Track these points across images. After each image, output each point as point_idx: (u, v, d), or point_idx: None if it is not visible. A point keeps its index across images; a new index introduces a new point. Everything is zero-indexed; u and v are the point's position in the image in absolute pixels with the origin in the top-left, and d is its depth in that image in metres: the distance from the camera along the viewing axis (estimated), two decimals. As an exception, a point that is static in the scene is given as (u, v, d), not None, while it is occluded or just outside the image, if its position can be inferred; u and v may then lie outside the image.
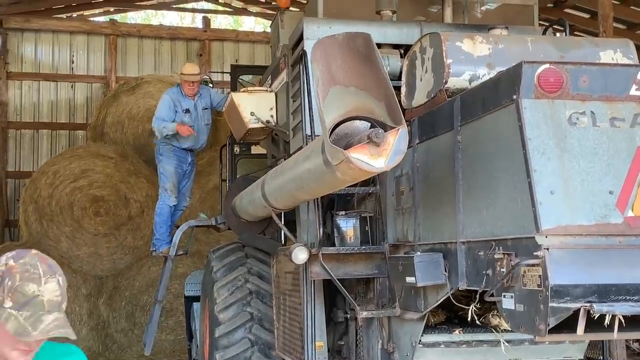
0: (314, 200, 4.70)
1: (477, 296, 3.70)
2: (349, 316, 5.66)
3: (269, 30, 15.31)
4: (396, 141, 3.04)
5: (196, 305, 8.27)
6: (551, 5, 10.19)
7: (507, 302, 3.38)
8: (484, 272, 3.60)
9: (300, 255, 4.77)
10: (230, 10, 15.12)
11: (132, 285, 11.26)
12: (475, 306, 3.91)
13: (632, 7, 10.48)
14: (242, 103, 6.19)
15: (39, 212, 11.08)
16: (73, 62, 13.38)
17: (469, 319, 4.03)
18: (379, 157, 3.04)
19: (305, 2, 11.63)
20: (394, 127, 3.10)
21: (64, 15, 13.59)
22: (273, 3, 14.23)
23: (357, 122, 3.31)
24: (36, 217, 11.08)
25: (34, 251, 2.17)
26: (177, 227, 7.94)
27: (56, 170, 11.22)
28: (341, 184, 3.69)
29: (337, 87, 3.21)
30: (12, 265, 2.09)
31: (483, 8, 6.18)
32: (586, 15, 10.92)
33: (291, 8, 6.54)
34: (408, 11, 6.09)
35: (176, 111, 8.15)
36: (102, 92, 13.24)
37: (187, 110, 8.19)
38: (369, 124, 3.29)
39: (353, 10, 6.02)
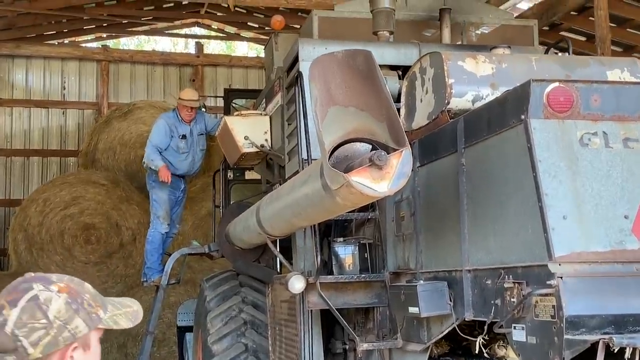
0: (311, 227, 4.51)
1: (485, 327, 3.50)
2: (347, 347, 5.45)
3: (262, 55, 15.34)
4: (400, 164, 2.86)
5: (189, 336, 8.04)
6: (547, 28, 10.11)
7: (518, 334, 3.18)
8: (492, 301, 3.41)
9: (297, 284, 4.57)
10: (223, 35, 15.03)
11: (123, 315, 10.98)
12: (483, 338, 3.71)
13: (628, 30, 10.40)
14: (235, 127, 6.02)
15: (28, 240, 10.85)
16: (64, 89, 13.24)
17: (475, 351, 3.83)
18: (381, 181, 2.86)
19: (299, 26, 11.54)
20: (397, 149, 2.92)
21: (55, 42, 13.47)
22: (266, 28, 14.14)
23: (358, 144, 3.14)
24: (26, 245, 10.85)
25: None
26: (169, 255, 7.72)
27: (46, 198, 11.02)
28: (341, 210, 3.50)
29: (336, 108, 3.04)
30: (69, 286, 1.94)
31: (480, 31, 6.06)
32: (582, 38, 10.84)
33: (285, 31, 6.39)
34: (404, 34, 5.95)
35: (172, 136, 7.98)
36: (94, 118, 13.09)
37: (184, 136, 8.03)
38: (370, 146, 3.12)
39: (348, 33, 5.87)
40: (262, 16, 13.71)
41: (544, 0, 9.53)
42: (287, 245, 5.71)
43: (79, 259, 11.01)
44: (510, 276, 3.22)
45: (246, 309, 6.25)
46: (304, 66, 5.06)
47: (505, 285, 3.22)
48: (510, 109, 3.29)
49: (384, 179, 2.87)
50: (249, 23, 14.26)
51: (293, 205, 3.84)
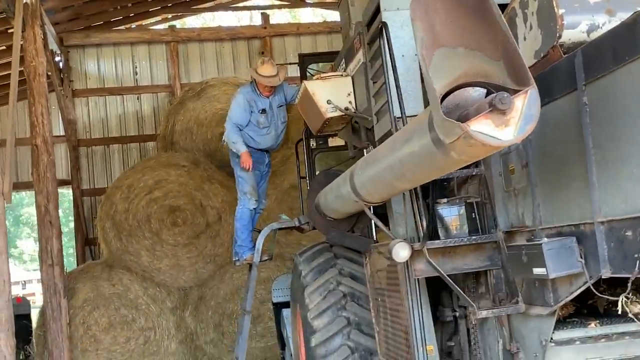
0: (412, 189, 4.15)
1: (629, 284, 3.08)
2: (458, 314, 5.10)
3: (329, 19, 14.93)
4: (526, 105, 2.47)
5: (286, 312, 7.85)
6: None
7: (675, 289, 2.77)
8: (636, 255, 2.99)
9: (402, 252, 4.23)
10: (288, 3, 14.67)
11: (216, 295, 10.96)
12: (625, 296, 3.29)
13: None
14: (317, 92, 5.68)
15: (116, 228, 10.87)
16: (137, 74, 13.20)
17: (618, 311, 3.41)
18: (506, 128, 2.48)
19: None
20: (520, 89, 2.52)
21: (123, 27, 13.40)
22: (331, -9, 13.74)
23: (470, 90, 2.75)
24: (114, 233, 10.88)
25: None
26: (258, 231, 7.50)
27: (130, 184, 11.00)
28: (454, 166, 3.13)
29: (443, 50, 2.65)
30: None
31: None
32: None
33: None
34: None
35: (252, 112, 7.68)
36: (168, 101, 13.00)
37: (264, 111, 7.71)
38: (485, 91, 2.72)
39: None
40: (326, -21, 13.30)
41: None
42: (381, 212, 5.38)
43: (168, 242, 10.97)
44: (661, 224, 2.79)
45: (344, 281, 5.97)
46: (387, 16, 4.68)
47: (655, 236, 2.80)
48: (643, 32, 2.83)
49: (509, 125, 2.48)
50: (314, -13, 13.86)
51: (395, 167, 3.48)
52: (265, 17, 13.79)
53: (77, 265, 12.07)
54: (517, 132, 2.50)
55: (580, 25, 3.52)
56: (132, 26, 13.57)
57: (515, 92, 2.57)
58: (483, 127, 2.47)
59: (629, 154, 3.02)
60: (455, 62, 2.70)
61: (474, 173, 4.47)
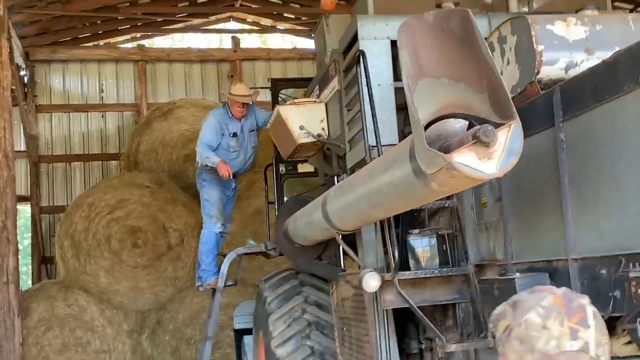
0: (386, 219, 4.12)
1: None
2: (424, 346, 5.06)
3: (298, 46, 14.95)
4: (509, 139, 2.46)
5: (247, 339, 7.71)
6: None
7: (648, 330, 2.76)
8: (610, 294, 2.99)
9: (372, 282, 4.18)
10: (259, 28, 14.67)
11: (175, 319, 10.74)
12: (597, 335, 3.27)
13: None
14: (290, 117, 5.64)
15: (75, 247, 10.61)
16: (103, 91, 13.02)
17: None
18: (489, 160, 2.46)
19: (345, 3, 11.13)
20: (503, 123, 2.51)
21: (91, 44, 13.24)
22: (303, 19, 13.78)
23: (452, 121, 2.73)
24: (73, 252, 10.62)
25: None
26: (223, 255, 7.38)
27: (91, 203, 10.77)
28: (433, 197, 3.10)
29: (427, 80, 2.63)
30: None
31: (548, -3, 5.60)
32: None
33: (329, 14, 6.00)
34: (466, 6, 5.51)
35: (222, 134, 7.62)
36: (134, 120, 12.84)
37: (235, 134, 7.66)
38: (467, 123, 2.71)
39: (405, 8, 5.45)
40: (298, 6, 13.33)
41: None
42: (350, 241, 5.33)
43: (127, 263, 10.74)
44: (637, 264, 2.79)
45: (309, 309, 5.89)
46: (364, 45, 4.68)
47: (631, 275, 2.79)
48: (624, 72, 2.85)
49: (492, 158, 2.47)
50: (285, 14, 13.88)
51: (371, 195, 3.44)
52: (235, 41, 13.76)
53: (32, 284, 11.76)
54: (500, 165, 2.48)
55: (559, 62, 3.55)
56: (100, 43, 13.42)
57: (498, 125, 2.56)
58: (466, 159, 2.45)
59: (605, 192, 3.03)
60: (439, 93, 2.68)
61: (445, 205, 4.46)
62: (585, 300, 1.67)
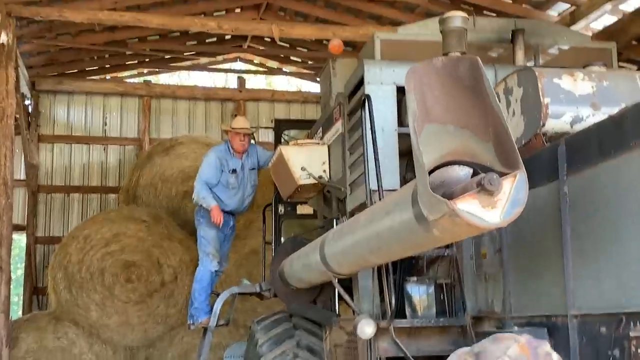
0: (384, 265, 4.07)
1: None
2: (416, 397, 4.95)
3: (303, 89, 15.05)
4: (514, 189, 2.43)
5: (236, 381, 7.60)
6: (636, 42, 9.23)
7: (649, 393, 2.70)
8: (609, 352, 2.93)
9: (367, 329, 4.11)
10: (265, 69, 14.79)
11: (164, 357, 10.58)
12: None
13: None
14: (292, 157, 5.63)
15: (68, 279, 10.50)
16: (106, 124, 13.05)
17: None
18: (492, 209, 2.42)
19: (351, 49, 11.22)
20: (508, 172, 2.48)
21: (97, 77, 13.32)
22: (309, 62, 13.89)
23: (456, 168, 2.70)
24: (65, 284, 10.49)
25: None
26: (217, 294, 7.29)
27: (87, 235, 10.68)
28: (434, 244, 3.06)
29: (433, 125, 2.62)
30: None
31: (555, 52, 5.64)
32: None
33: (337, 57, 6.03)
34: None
35: (222, 171, 7.60)
36: (135, 154, 12.84)
37: (234, 171, 7.64)
38: (471, 170, 2.68)
39: (412, 55, 5.48)
40: (304, 50, 13.45)
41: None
42: (346, 285, 5.27)
43: (119, 298, 10.60)
44: (638, 323, 2.74)
45: (301, 353, 5.78)
46: (370, 89, 4.69)
47: (632, 334, 2.74)
48: (630, 128, 2.84)
49: (496, 207, 2.43)
50: (291, 57, 14.00)
51: (371, 240, 3.40)
52: (241, 81, 13.85)
53: (23, 314, 11.61)
54: (504, 215, 2.45)
55: (565, 116, 3.54)
56: (107, 77, 13.50)
57: (503, 174, 2.53)
58: (470, 206, 2.42)
59: (607, 249, 2.99)
60: (444, 139, 2.66)
61: (445, 254, 4.42)
62: (547, 346, 1.63)
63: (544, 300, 3.44)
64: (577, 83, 3.57)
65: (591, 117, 3.52)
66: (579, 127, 3.51)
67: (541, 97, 3.52)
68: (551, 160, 3.35)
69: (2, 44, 8.86)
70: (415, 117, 2.47)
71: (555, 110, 3.54)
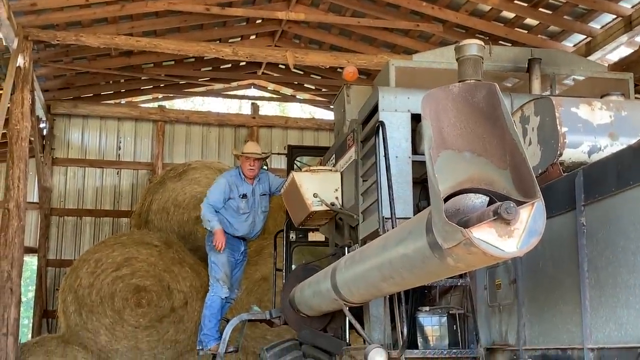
0: (396, 293, 4.01)
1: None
2: None
3: (317, 116, 15.06)
4: (531, 218, 2.38)
5: (245, 409, 7.50)
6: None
7: None
8: (627, 387, 2.86)
9: (377, 358, 4.04)
10: (279, 96, 14.85)
11: (173, 383, 10.48)
12: None
13: None
14: (304, 184, 5.60)
15: (78, 302, 10.46)
16: (120, 148, 13.09)
17: None
18: (509, 238, 2.38)
19: (365, 77, 11.24)
20: (525, 201, 2.44)
21: (112, 101, 13.41)
22: (323, 90, 13.93)
23: (472, 196, 2.66)
24: (75, 307, 10.45)
25: None
26: (227, 321, 7.23)
27: (98, 259, 10.67)
28: (448, 273, 3.01)
29: (449, 152, 2.58)
30: None
31: (571, 82, 5.61)
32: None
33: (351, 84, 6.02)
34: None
35: (231, 197, 7.59)
36: (148, 179, 12.86)
37: (245, 195, 7.62)
38: (487, 199, 2.64)
39: (426, 83, 5.47)
40: (318, 77, 13.49)
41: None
42: (357, 314, 5.20)
43: (129, 322, 10.55)
44: (657, 358, 2.67)
45: (311, 382, 5.72)
46: (384, 116, 4.67)
47: (651, 369, 2.67)
48: (649, 158, 2.79)
49: (512, 236, 2.39)
50: (305, 85, 14.05)
51: (383, 268, 3.35)
52: (255, 107, 13.90)
53: (32, 336, 11.57)
54: (521, 244, 2.40)
55: (582, 146, 3.50)
56: (122, 102, 13.58)
57: (520, 203, 2.49)
58: (485, 235, 2.38)
59: (625, 281, 2.93)
60: (460, 166, 2.62)
61: (458, 283, 4.36)
62: None
63: (560, 333, 3.37)
64: (595, 112, 3.54)
65: (609, 147, 3.48)
66: (596, 157, 3.47)
67: (558, 126, 3.48)
68: (568, 190, 3.31)
69: (19, 67, 8.94)
70: (431, 143, 2.44)
71: (572, 139, 3.50)
